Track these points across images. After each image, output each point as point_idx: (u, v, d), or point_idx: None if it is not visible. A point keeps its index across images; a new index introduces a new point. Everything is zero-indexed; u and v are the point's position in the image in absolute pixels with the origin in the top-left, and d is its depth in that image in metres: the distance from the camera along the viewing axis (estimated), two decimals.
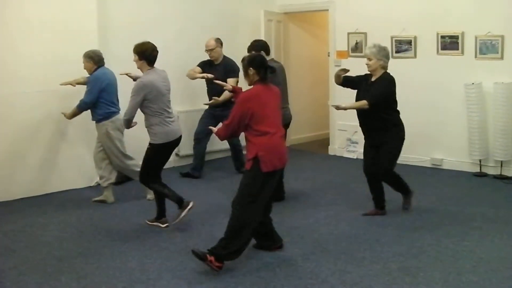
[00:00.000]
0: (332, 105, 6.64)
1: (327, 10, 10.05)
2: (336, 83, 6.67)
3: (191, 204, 6.27)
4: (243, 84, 5.45)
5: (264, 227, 5.55)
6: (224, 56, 8.46)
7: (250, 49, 6.94)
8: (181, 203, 6.28)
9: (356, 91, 6.53)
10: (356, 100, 6.39)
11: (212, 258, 5.04)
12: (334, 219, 6.14)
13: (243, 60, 5.34)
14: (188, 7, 9.42)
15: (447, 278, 4.91)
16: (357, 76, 6.60)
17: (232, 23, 10.02)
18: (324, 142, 10.66)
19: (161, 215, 6.47)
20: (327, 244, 5.77)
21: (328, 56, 10.19)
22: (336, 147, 10.10)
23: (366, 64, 6.34)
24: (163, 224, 6.44)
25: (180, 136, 6.40)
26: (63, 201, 7.18)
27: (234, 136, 5.51)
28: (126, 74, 6.90)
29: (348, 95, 6.86)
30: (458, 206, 6.93)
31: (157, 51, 6.23)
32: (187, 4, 9.42)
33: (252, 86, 5.28)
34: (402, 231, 6.12)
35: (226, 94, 7.74)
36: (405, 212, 6.46)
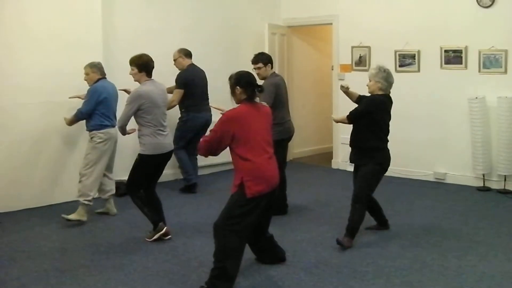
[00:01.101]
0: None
1: (331, 23, 10.09)
2: (344, 90, 6.71)
3: (164, 230, 6.25)
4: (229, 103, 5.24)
5: (266, 243, 5.54)
6: (189, 66, 8.41)
7: (255, 61, 7.00)
8: (156, 225, 6.28)
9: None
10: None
11: None
12: (337, 233, 6.12)
13: (230, 78, 5.12)
14: (192, 19, 9.47)
15: None
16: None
17: (236, 36, 10.06)
18: (328, 155, 10.66)
19: (156, 225, 6.44)
20: (330, 258, 5.76)
21: (332, 69, 10.21)
22: (339, 161, 10.10)
23: (367, 85, 6.34)
24: (165, 236, 6.41)
25: (170, 152, 6.37)
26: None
27: (213, 155, 5.13)
28: (124, 90, 6.97)
29: (351, 108, 6.86)
30: (461, 221, 6.91)
31: (154, 63, 6.31)
32: (191, 16, 9.47)
33: (238, 105, 5.09)
34: (405, 245, 6.10)
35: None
36: (340, 243, 6.01)
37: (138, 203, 6.31)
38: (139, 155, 6.22)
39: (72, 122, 7.21)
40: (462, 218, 7.01)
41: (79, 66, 7.12)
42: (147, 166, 6.26)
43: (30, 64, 7.30)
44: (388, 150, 6.31)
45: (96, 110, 7.00)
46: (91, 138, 7.06)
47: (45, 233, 6.70)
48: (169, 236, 6.42)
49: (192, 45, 9.01)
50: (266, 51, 9.53)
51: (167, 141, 6.31)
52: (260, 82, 5.96)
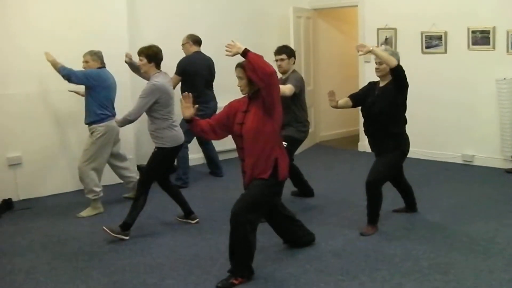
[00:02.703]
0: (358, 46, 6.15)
1: (357, 6, 10.00)
2: (333, 107, 6.36)
3: (126, 238, 6.02)
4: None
5: (292, 223, 5.56)
6: (194, 53, 8.11)
7: (279, 52, 6.61)
8: (125, 227, 6.04)
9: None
10: (363, 112, 6.13)
11: (238, 281, 4.88)
12: (363, 216, 6.10)
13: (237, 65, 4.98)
14: (217, 4, 9.46)
15: (478, 275, 4.86)
16: (361, 90, 6.39)
17: (261, 20, 10.02)
18: (354, 138, 10.62)
19: (188, 213, 6.50)
20: (357, 241, 5.75)
21: (357, 52, 10.13)
22: (366, 144, 10.03)
23: (376, 69, 5.98)
24: (193, 220, 6.48)
25: (183, 143, 6.35)
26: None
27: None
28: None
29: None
30: (489, 203, 6.85)
31: (163, 55, 6.20)
32: (216, 1, 9.45)
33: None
34: (433, 228, 6.07)
35: None
36: (363, 235, 5.94)
37: (139, 203, 6.09)
38: (160, 149, 6.10)
39: (54, 64, 6.83)
40: (491, 201, 6.95)
41: (105, 55, 7.01)
42: (167, 160, 6.25)
43: (54, 52, 7.12)
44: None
45: (96, 100, 6.83)
46: (91, 132, 6.87)
47: (74, 218, 6.79)
48: (197, 220, 6.48)
49: (216, 30, 9.02)
50: (291, 34, 9.52)
51: (180, 131, 6.26)
52: (279, 75, 5.68)
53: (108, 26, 7.88)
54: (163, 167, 6.30)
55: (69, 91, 7.21)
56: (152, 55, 6.08)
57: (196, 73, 7.96)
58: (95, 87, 6.79)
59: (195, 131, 5.26)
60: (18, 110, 7.42)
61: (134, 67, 6.88)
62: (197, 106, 5.16)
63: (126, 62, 7.01)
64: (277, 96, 4.86)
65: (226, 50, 4.87)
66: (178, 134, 6.20)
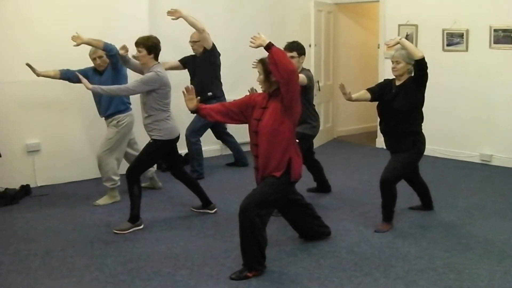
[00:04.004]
0: (386, 42, 6.11)
1: (378, 1, 9.94)
2: (348, 100, 6.25)
3: (141, 226, 6.05)
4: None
5: (309, 215, 5.56)
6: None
7: (290, 49, 6.43)
8: (134, 220, 6.04)
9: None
10: (379, 110, 6.11)
11: (251, 273, 4.90)
12: (379, 213, 6.09)
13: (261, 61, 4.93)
14: None
15: (493, 276, 4.83)
16: (377, 85, 6.32)
17: (281, 14, 10.00)
18: (372, 134, 10.58)
19: (206, 203, 6.52)
20: (372, 237, 5.75)
21: (378, 48, 10.11)
22: (383, 140, 10.00)
23: (393, 68, 5.91)
24: (212, 210, 6.53)
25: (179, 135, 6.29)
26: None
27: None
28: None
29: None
30: (506, 204, 6.79)
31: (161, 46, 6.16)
32: None
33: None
34: (449, 227, 6.04)
35: None
36: (378, 231, 5.92)
37: (136, 191, 6.01)
38: (157, 141, 6.05)
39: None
40: (508, 201, 6.88)
41: (125, 41, 6.86)
42: (162, 152, 6.19)
43: (75, 31, 7.03)
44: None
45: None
46: (117, 122, 6.86)
47: (90, 205, 6.84)
48: (215, 210, 6.52)
49: (236, 23, 9.02)
50: (312, 28, 9.50)
51: (176, 125, 6.22)
52: None
53: (129, 11, 7.92)
54: (156, 159, 6.35)
55: (26, 64, 6.78)
56: (152, 46, 6.00)
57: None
58: (125, 75, 6.82)
59: (202, 115, 5.22)
60: (37, 97, 7.49)
61: (124, 60, 6.61)
62: (199, 98, 5.16)
63: (121, 54, 6.63)
64: (296, 95, 4.81)
65: (250, 41, 4.82)
66: (175, 127, 6.17)
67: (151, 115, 6.04)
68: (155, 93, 5.96)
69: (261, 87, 4.98)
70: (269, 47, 4.66)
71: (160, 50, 6.11)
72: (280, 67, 4.62)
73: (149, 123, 6.08)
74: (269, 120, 4.84)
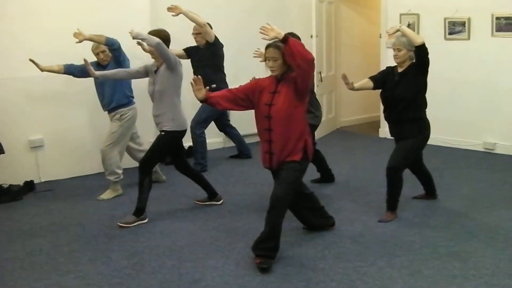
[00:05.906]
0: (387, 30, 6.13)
1: None
2: (351, 89, 6.20)
3: (145, 220, 6.05)
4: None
5: (312, 204, 5.57)
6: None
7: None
8: (139, 213, 6.03)
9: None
10: (383, 98, 6.07)
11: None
12: (383, 203, 6.09)
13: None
14: None
15: (498, 264, 4.83)
16: (380, 73, 6.30)
17: (283, 4, 9.94)
18: (375, 124, 10.57)
19: (212, 194, 6.53)
20: (376, 227, 5.75)
21: (380, 37, 10.08)
22: (387, 130, 9.97)
23: (394, 56, 5.91)
24: (218, 201, 6.54)
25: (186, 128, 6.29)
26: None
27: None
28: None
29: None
30: (510, 192, 6.79)
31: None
32: None
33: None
34: (453, 215, 6.04)
35: None
36: (382, 221, 5.91)
37: (146, 184, 6.01)
38: (169, 132, 6.04)
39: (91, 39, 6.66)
40: (511, 190, 6.91)
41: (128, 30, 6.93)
42: (171, 144, 6.16)
43: (78, 25, 6.89)
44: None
45: (127, 82, 6.88)
46: (120, 116, 6.85)
47: (94, 200, 6.85)
48: (222, 201, 6.54)
49: (235, 14, 8.99)
50: (313, 19, 9.46)
51: (185, 117, 6.23)
52: None
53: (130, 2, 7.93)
54: (166, 152, 6.27)
55: (30, 60, 6.74)
56: (165, 39, 5.98)
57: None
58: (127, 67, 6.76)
59: (211, 103, 5.18)
60: (40, 93, 7.49)
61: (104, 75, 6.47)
62: (207, 87, 5.15)
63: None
64: (310, 80, 4.92)
65: (262, 33, 4.74)
66: (185, 119, 6.19)
67: (164, 104, 6.01)
68: (176, 77, 5.98)
69: (274, 72, 4.95)
70: (286, 38, 4.63)
71: (169, 43, 6.11)
72: (298, 58, 4.63)
73: (161, 114, 6.03)
74: (284, 104, 4.85)
